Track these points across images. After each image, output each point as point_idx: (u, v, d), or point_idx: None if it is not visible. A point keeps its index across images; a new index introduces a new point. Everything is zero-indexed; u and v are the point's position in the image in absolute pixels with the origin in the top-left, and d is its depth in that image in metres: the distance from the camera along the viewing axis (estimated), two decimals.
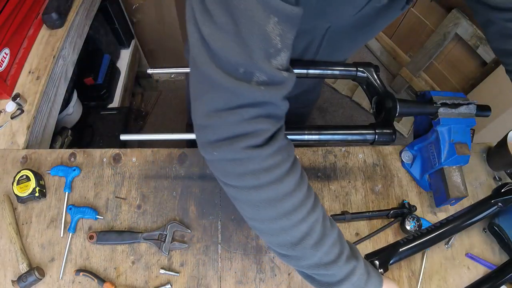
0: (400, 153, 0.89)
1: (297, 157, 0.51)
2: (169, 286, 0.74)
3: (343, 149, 0.90)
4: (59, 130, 1.24)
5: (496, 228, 0.77)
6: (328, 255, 0.51)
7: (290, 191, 0.48)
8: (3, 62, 0.97)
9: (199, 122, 0.48)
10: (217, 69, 0.43)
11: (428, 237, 0.68)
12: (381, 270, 0.64)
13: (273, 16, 0.41)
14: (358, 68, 0.79)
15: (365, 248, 0.79)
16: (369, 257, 0.66)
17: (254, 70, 0.43)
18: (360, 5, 0.56)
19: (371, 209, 0.83)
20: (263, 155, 0.46)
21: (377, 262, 0.64)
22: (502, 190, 0.75)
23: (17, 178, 0.78)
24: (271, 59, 0.44)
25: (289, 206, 0.48)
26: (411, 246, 0.67)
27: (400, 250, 0.66)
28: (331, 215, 0.80)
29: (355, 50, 0.84)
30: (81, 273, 0.73)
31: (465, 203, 0.85)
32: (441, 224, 0.70)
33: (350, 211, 0.81)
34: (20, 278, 0.70)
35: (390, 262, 0.65)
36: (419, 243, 0.68)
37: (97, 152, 0.86)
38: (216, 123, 0.46)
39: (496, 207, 0.72)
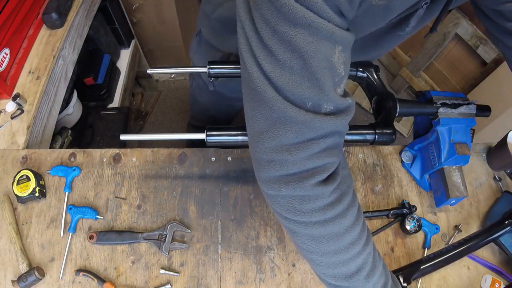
0: (400, 153, 0.89)
1: None
2: (169, 286, 0.74)
3: (343, 149, 0.90)
4: (59, 130, 1.24)
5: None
6: (376, 285, 0.52)
7: (351, 224, 0.49)
8: (3, 62, 0.97)
9: (265, 157, 0.46)
10: (287, 103, 0.42)
11: (447, 255, 0.72)
12: (405, 284, 0.69)
13: (338, 45, 0.41)
14: (358, 68, 0.79)
15: None
16: (394, 273, 0.71)
17: (322, 102, 0.42)
18: (381, 25, 0.57)
19: (371, 209, 0.83)
20: (330, 190, 0.46)
21: (401, 278, 0.69)
22: None
23: (17, 178, 0.78)
24: (337, 87, 0.44)
25: (349, 240, 0.49)
26: (432, 264, 0.72)
27: (422, 267, 0.71)
28: None
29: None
30: (81, 273, 0.73)
31: (465, 203, 0.85)
32: (459, 243, 0.73)
33: None
34: (20, 278, 0.70)
35: (413, 277, 0.70)
36: (439, 261, 0.72)
37: (97, 152, 0.86)
38: (286, 158, 0.44)
39: (509, 227, 0.75)
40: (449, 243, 0.80)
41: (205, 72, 0.78)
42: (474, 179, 0.88)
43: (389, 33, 0.67)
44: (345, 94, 0.46)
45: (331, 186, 0.46)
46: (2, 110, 0.94)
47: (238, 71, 0.78)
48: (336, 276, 0.51)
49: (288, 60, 0.40)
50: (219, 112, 1.14)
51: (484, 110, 0.79)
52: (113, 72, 1.66)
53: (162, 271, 0.75)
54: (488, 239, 0.74)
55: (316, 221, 0.47)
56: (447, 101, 0.76)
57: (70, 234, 0.77)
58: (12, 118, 0.93)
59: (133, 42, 1.84)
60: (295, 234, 0.51)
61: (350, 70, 0.79)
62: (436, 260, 0.72)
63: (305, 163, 0.44)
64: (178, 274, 0.75)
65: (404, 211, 0.81)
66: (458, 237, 0.80)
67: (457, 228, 0.82)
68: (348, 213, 0.48)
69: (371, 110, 0.82)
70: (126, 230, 0.78)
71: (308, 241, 0.50)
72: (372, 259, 0.52)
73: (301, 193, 0.46)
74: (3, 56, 0.98)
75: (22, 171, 0.79)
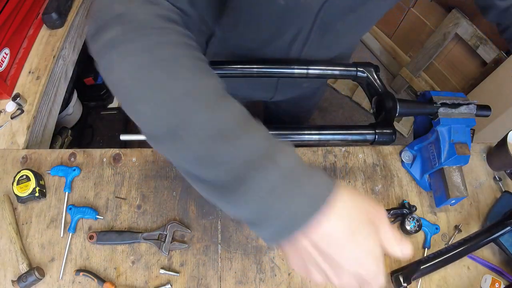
0: (400, 153, 0.89)
1: None
2: (169, 286, 0.74)
3: (343, 149, 0.90)
4: (59, 130, 1.24)
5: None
6: (230, 121, 0.36)
7: (174, 42, 0.42)
8: (3, 62, 0.97)
9: None
10: None
11: (447, 255, 0.72)
12: (405, 284, 0.69)
13: None
14: (358, 68, 0.79)
15: None
16: (394, 273, 0.71)
17: None
18: None
19: None
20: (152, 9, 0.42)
21: (401, 278, 0.69)
22: None
23: (17, 178, 0.78)
24: None
25: (173, 53, 0.40)
26: (432, 264, 0.72)
27: (422, 267, 0.71)
28: None
29: (347, 46, 0.81)
30: (81, 273, 0.73)
31: (465, 203, 0.85)
32: (459, 243, 0.73)
33: None
34: (20, 278, 0.70)
35: (413, 277, 0.70)
36: (439, 261, 0.72)
37: (97, 152, 0.86)
38: None
39: (509, 227, 0.75)
40: (449, 243, 0.80)
41: None
42: (474, 179, 0.88)
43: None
44: None
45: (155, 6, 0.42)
46: (2, 110, 0.94)
47: (238, 71, 0.78)
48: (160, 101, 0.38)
49: None
50: None
51: (484, 110, 0.79)
52: None
53: (162, 271, 0.75)
54: (488, 239, 0.74)
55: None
56: (447, 101, 0.76)
57: (70, 234, 0.77)
58: (12, 118, 0.93)
59: None
60: (112, 64, 0.41)
61: (350, 70, 0.79)
62: (436, 260, 0.72)
63: None
64: (178, 274, 0.75)
65: (404, 211, 0.81)
66: (458, 237, 0.80)
67: (457, 228, 0.82)
68: (172, 34, 0.41)
69: (371, 110, 0.82)
70: (126, 230, 0.78)
71: (125, 67, 0.39)
72: (214, 82, 0.40)
73: None
74: (3, 56, 0.98)
75: (22, 171, 0.79)
